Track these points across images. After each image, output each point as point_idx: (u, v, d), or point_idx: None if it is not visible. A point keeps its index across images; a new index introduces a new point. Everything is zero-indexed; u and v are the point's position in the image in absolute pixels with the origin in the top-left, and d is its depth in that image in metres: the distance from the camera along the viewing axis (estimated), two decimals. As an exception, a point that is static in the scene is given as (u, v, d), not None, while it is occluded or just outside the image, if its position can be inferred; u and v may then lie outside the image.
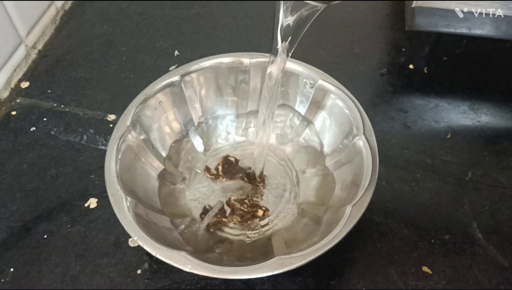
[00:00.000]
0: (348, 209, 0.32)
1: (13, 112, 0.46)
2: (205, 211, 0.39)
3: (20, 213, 0.40)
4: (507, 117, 0.46)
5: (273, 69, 0.34)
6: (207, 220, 0.37)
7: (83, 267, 0.37)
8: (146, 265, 0.37)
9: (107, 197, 0.33)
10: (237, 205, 0.39)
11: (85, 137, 0.44)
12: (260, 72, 0.41)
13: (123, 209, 0.33)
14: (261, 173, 0.40)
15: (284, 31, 0.31)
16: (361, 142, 0.36)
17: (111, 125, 0.45)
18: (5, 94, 0.48)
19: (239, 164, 0.41)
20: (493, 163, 0.42)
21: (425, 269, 0.36)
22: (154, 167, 0.39)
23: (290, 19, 0.30)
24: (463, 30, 0.47)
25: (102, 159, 0.35)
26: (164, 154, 0.40)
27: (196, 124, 0.42)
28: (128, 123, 0.37)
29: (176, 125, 0.41)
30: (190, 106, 0.41)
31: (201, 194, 0.40)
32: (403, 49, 0.51)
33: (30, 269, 0.37)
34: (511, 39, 0.47)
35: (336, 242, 0.31)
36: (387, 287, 0.36)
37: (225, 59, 0.41)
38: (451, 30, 0.47)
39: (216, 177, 0.41)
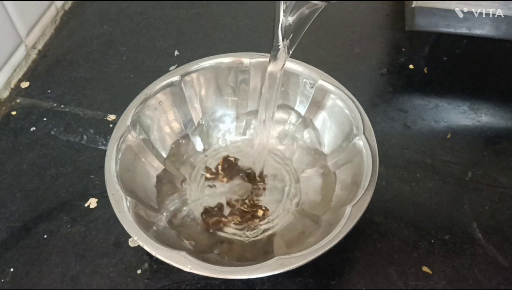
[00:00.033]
0: (348, 209, 0.32)
1: (13, 112, 0.46)
2: (206, 212, 0.39)
3: (20, 213, 0.40)
4: (507, 117, 0.46)
5: (274, 68, 0.34)
6: None
7: (83, 267, 0.37)
8: (146, 265, 0.37)
9: (107, 197, 0.33)
10: (237, 205, 0.39)
11: (85, 137, 0.44)
12: (260, 72, 0.41)
13: (123, 209, 0.33)
14: (261, 173, 0.40)
15: (285, 30, 0.31)
16: (361, 142, 0.36)
17: (111, 125, 0.45)
18: (5, 94, 0.48)
19: (239, 163, 0.41)
20: (493, 163, 0.42)
21: (425, 269, 0.36)
22: (154, 167, 0.39)
23: (291, 18, 0.30)
24: (463, 30, 0.47)
25: (102, 159, 0.35)
26: (164, 154, 0.40)
27: (196, 124, 0.42)
28: (128, 123, 0.37)
29: (176, 125, 0.41)
30: (190, 106, 0.41)
31: (201, 194, 0.40)
32: (403, 49, 0.51)
33: (30, 269, 0.37)
34: (511, 39, 0.47)
35: (336, 242, 0.31)
36: (387, 287, 0.36)
37: (225, 59, 0.41)
38: (451, 30, 0.47)
39: (216, 177, 0.41)
